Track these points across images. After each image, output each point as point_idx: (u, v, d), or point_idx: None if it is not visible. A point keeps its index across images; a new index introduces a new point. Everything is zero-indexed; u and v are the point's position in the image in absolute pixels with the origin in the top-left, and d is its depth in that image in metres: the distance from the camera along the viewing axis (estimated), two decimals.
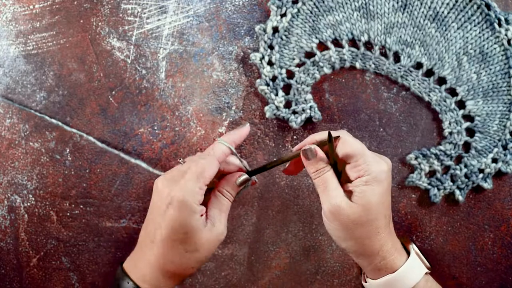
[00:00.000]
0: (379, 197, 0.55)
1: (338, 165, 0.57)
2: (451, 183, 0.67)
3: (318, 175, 0.56)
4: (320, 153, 0.56)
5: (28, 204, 0.70)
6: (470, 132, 0.67)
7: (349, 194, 0.56)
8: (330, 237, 0.69)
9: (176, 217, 0.54)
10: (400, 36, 0.66)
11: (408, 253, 0.58)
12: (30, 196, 0.70)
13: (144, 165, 0.69)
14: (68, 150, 0.69)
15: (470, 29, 0.65)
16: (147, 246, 0.56)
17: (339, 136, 0.56)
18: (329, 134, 0.55)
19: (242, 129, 0.60)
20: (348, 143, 0.55)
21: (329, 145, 0.55)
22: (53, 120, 0.69)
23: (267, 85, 0.67)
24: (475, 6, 0.65)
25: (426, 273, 0.57)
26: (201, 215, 0.55)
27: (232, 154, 0.59)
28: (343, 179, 0.57)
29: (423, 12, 0.65)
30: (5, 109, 0.69)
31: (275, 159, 0.61)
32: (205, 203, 0.58)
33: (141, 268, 0.56)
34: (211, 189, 0.59)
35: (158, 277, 0.56)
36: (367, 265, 0.57)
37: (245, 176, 0.59)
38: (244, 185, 0.60)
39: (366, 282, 0.60)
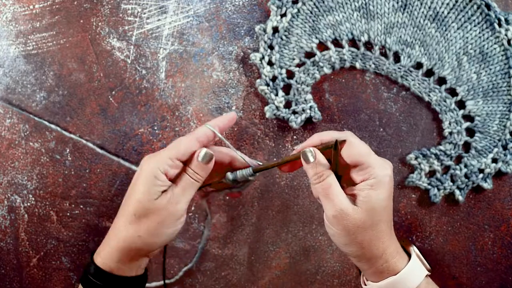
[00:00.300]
0: (384, 201, 0.54)
1: (339, 169, 0.56)
2: (451, 183, 0.67)
3: (318, 180, 0.55)
4: (320, 156, 0.56)
5: (28, 204, 0.70)
6: (470, 132, 0.67)
7: (352, 197, 0.55)
8: (330, 236, 0.69)
9: (141, 182, 0.55)
10: (400, 36, 0.66)
11: (409, 256, 0.58)
12: (30, 196, 0.70)
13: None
14: (68, 150, 0.69)
15: (470, 29, 0.65)
16: (113, 227, 0.57)
17: (345, 141, 0.55)
18: (336, 142, 0.54)
19: (227, 114, 0.60)
20: (355, 147, 0.55)
21: (334, 152, 0.55)
22: (53, 123, 0.69)
23: (267, 85, 0.67)
24: (475, 6, 0.65)
25: (426, 275, 0.57)
26: (165, 190, 0.55)
27: (219, 139, 0.59)
28: (344, 182, 0.57)
29: (423, 12, 0.65)
30: (5, 109, 0.69)
31: (276, 160, 0.61)
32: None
33: (102, 251, 0.57)
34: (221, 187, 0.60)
35: (116, 256, 0.56)
36: (368, 268, 0.57)
37: (205, 150, 0.57)
38: (243, 184, 0.60)
39: (365, 285, 0.59)
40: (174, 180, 0.57)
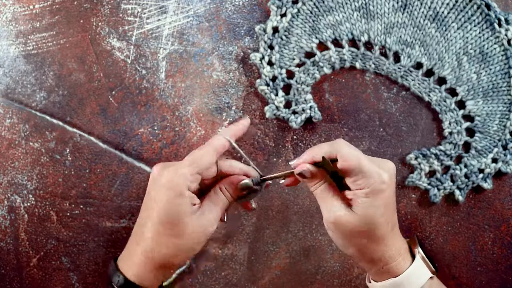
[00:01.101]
0: (380, 208, 0.54)
1: (339, 173, 0.57)
2: (451, 183, 0.67)
3: (315, 187, 0.57)
4: (315, 171, 0.56)
5: (28, 204, 0.70)
6: (470, 132, 0.67)
7: (349, 203, 0.55)
8: (330, 237, 0.69)
9: (164, 199, 0.54)
10: (400, 36, 0.66)
11: (413, 257, 0.58)
12: (30, 196, 0.70)
13: (144, 165, 0.69)
14: (68, 150, 0.69)
15: (470, 29, 0.65)
16: (136, 234, 0.57)
17: (336, 161, 0.55)
18: (324, 160, 0.55)
19: (242, 122, 0.60)
20: (344, 159, 0.54)
21: (324, 166, 0.55)
22: (54, 120, 0.69)
23: (267, 85, 0.67)
24: (475, 6, 0.65)
25: (431, 277, 0.57)
26: (194, 204, 0.55)
27: (234, 150, 0.59)
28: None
29: (423, 12, 0.65)
30: (5, 109, 0.69)
31: (276, 174, 0.61)
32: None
33: (131, 261, 0.57)
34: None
35: (145, 267, 0.56)
36: (369, 269, 0.57)
37: (248, 180, 0.58)
38: (246, 194, 0.60)
39: (370, 282, 0.59)
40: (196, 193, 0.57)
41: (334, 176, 0.57)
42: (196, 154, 0.56)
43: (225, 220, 0.61)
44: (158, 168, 0.56)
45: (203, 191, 0.60)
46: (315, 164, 0.56)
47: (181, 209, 0.54)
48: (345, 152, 0.55)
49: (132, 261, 0.57)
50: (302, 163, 0.56)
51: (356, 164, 0.54)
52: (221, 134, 0.58)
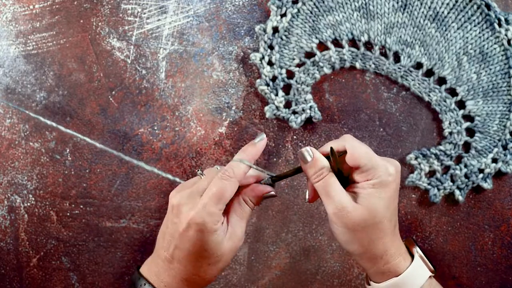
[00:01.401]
0: (385, 201, 0.54)
1: (344, 171, 0.56)
2: (451, 183, 0.67)
3: (318, 178, 0.55)
4: (317, 155, 0.55)
5: (28, 204, 0.70)
6: (470, 132, 0.67)
7: (354, 196, 0.55)
8: (330, 237, 0.69)
9: (196, 239, 0.53)
10: (400, 36, 0.66)
11: (412, 257, 0.58)
12: (30, 196, 0.70)
13: (144, 165, 0.69)
14: (68, 150, 0.69)
15: (470, 29, 0.65)
16: (168, 260, 0.56)
17: (345, 152, 0.55)
18: (332, 150, 0.54)
19: (259, 143, 0.58)
20: (355, 154, 0.54)
21: (332, 159, 0.55)
22: (53, 123, 0.69)
23: (267, 85, 0.67)
24: (475, 6, 0.65)
25: (430, 277, 0.57)
26: (221, 223, 0.55)
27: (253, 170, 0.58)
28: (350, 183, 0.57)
29: (423, 12, 0.65)
30: (5, 109, 0.69)
31: (285, 172, 0.60)
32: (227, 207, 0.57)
33: (165, 278, 0.56)
34: None
35: (181, 286, 0.56)
36: (370, 268, 0.57)
37: (273, 192, 0.58)
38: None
39: (369, 284, 0.59)
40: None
41: (338, 176, 0.57)
42: (221, 187, 0.54)
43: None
44: (181, 199, 0.55)
45: None
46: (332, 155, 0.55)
47: (216, 242, 0.54)
48: (354, 144, 0.55)
49: (162, 278, 0.56)
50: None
51: (365, 155, 0.54)
52: (239, 159, 0.57)
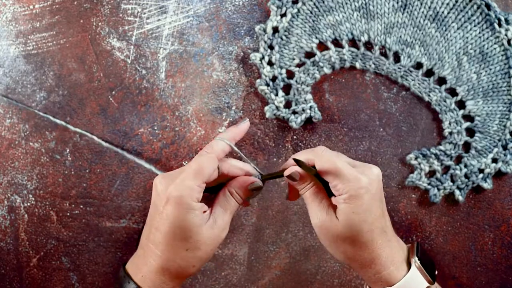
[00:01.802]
0: (361, 214, 0.53)
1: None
2: (451, 183, 0.67)
3: (305, 190, 0.57)
4: (303, 174, 0.56)
5: (28, 204, 0.70)
6: (470, 132, 0.67)
7: (334, 208, 0.55)
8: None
9: (174, 214, 0.53)
10: (400, 36, 0.66)
11: (410, 265, 0.57)
12: (30, 196, 0.70)
13: (144, 165, 0.69)
14: (68, 150, 0.69)
15: (470, 29, 0.65)
16: (148, 247, 0.56)
17: (314, 169, 0.55)
18: (298, 161, 0.55)
19: (242, 125, 0.60)
20: (321, 164, 0.55)
21: (304, 169, 0.56)
22: (54, 120, 0.69)
23: (267, 85, 0.67)
24: (475, 6, 0.65)
25: (427, 287, 0.56)
26: (204, 212, 0.55)
27: (233, 151, 0.59)
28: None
29: (423, 12, 0.65)
30: (5, 109, 0.69)
31: (275, 172, 0.61)
32: (210, 201, 0.58)
33: (143, 270, 0.56)
34: (216, 188, 0.59)
35: (160, 278, 0.55)
36: (362, 275, 0.57)
37: (260, 183, 0.58)
38: (254, 193, 0.60)
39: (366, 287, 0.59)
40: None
41: (324, 182, 0.57)
42: (199, 162, 0.55)
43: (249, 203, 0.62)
44: (162, 181, 0.55)
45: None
46: (302, 167, 0.56)
47: (194, 223, 0.54)
48: (322, 157, 0.55)
49: (145, 273, 0.56)
50: (289, 165, 0.57)
51: (333, 169, 0.54)
52: (220, 137, 0.58)
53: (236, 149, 0.58)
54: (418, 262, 0.56)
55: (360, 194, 0.53)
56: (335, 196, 0.55)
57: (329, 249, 0.57)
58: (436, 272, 0.58)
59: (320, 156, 0.55)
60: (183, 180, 0.54)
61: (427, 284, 0.56)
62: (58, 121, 0.69)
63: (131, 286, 0.56)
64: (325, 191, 0.57)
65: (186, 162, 0.58)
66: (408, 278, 0.55)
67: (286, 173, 0.57)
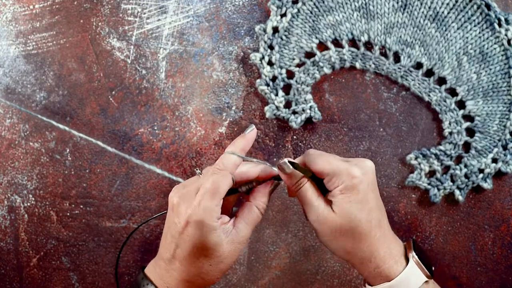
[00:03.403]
0: (357, 204, 0.54)
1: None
2: (451, 183, 0.67)
3: (297, 188, 0.56)
4: (292, 172, 0.56)
5: (28, 204, 0.70)
6: (470, 132, 0.67)
7: (330, 203, 0.55)
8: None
9: (195, 237, 0.53)
10: (400, 36, 0.66)
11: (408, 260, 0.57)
12: (30, 196, 0.70)
13: (144, 165, 0.69)
14: (68, 150, 0.69)
15: (470, 29, 0.65)
16: (169, 261, 0.56)
17: (309, 171, 0.56)
18: (293, 164, 0.55)
19: (249, 134, 0.58)
20: (314, 164, 0.55)
21: (300, 171, 0.55)
22: (54, 120, 0.69)
23: (267, 85, 0.67)
24: (475, 6, 0.65)
25: (426, 282, 0.57)
26: (225, 223, 0.55)
27: (245, 161, 0.58)
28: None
29: (423, 12, 0.65)
30: (5, 109, 0.69)
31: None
32: (228, 208, 0.58)
33: (166, 279, 0.56)
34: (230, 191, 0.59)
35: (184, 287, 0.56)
36: (362, 271, 0.57)
37: (276, 182, 0.58)
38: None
39: (365, 286, 0.59)
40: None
41: (317, 182, 0.57)
42: (213, 182, 0.54)
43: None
44: (180, 202, 0.55)
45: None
46: (297, 169, 0.56)
47: (216, 242, 0.54)
48: (314, 158, 0.55)
49: (168, 282, 0.56)
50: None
51: (326, 165, 0.54)
52: (229, 151, 0.57)
53: (248, 159, 0.57)
54: (416, 257, 0.56)
55: (355, 184, 0.54)
56: (330, 192, 0.55)
57: (329, 245, 0.57)
58: (434, 268, 0.59)
59: (313, 157, 0.55)
60: (200, 203, 0.53)
61: (426, 279, 0.56)
62: (55, 121, 0.69)
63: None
64: (319, 190, 0.57)
65: (198, 169, 0.57)
66: (406, 273, 0.55)
67: (278, 164, 0.56)
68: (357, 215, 0.54)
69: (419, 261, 0.56)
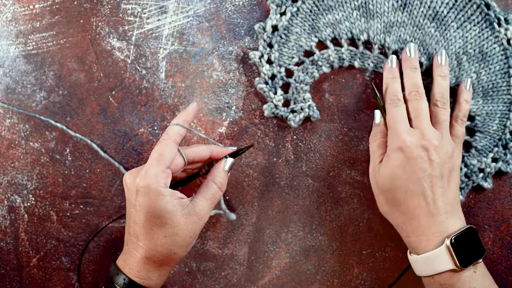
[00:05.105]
0: (391, 170, 0.59)
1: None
2: None
3: (374, 140, 0.63)
4: (380, 125, 0.64)
5: (28, 204, 0.70)
6: (470, 131, 0.67)
7: None
8: (330, 237, 0.69)
9: (145, 203, 0.55)
10: (400, 35, 0.66)
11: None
12: (30, 196, 0.70)
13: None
14: (68, 150, 0.70)
15: (470, 29, 0.66)
16: (130, 241, 0.58)
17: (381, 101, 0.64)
18: (373, 88, 0.63)
19: (190, 108, 0.61)
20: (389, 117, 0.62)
21: (376, 99, 0.64)
22: (54, 120, 0.69)
23: (266, 83, 0.67)
24: (474, 6, 0.65)
25: (452, 270, 0.56)
26: (179, 198, 0.57)
27: (191, 133, 0.61)
28: None
29: (422, 11, 0.65)
30: (5, 109, 0.70)
31: (245, 146, 0.64)
32: (190, 194, 0.60)
33: (130, 263, 0.58)
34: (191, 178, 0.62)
35: (145, 267, 0.57)
36: (400, 233, 0.61)
37: (231, 160, 0.61)
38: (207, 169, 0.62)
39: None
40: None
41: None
42: (158, 150, 0.57)
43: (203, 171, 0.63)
44: (129, 176, 0.58)
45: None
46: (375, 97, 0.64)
47: (166, 208, 0.55)
48: (388, 115, 0.62)
49: (131, 264, 0.58)
50: None
51: (389, 124, 0.61)
52: (173, 123, 0.59)
53: (190, 129, 0.60)
54: (449, 242, 0.56)
55: (391, 152, 0.59)
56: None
57: (377, 199, 0.62)
58: (481, 261, 0.58)
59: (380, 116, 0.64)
60: (147, 170, 0.56)
61: (451, 267, 0.56)
62: (55, 121, 0.69)
63: (121, 277, 0.57)
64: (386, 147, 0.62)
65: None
66: (433, 254, 0.56)
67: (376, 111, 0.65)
68: (392, 179, 0.59)
69: (452, 248, 0.56)
